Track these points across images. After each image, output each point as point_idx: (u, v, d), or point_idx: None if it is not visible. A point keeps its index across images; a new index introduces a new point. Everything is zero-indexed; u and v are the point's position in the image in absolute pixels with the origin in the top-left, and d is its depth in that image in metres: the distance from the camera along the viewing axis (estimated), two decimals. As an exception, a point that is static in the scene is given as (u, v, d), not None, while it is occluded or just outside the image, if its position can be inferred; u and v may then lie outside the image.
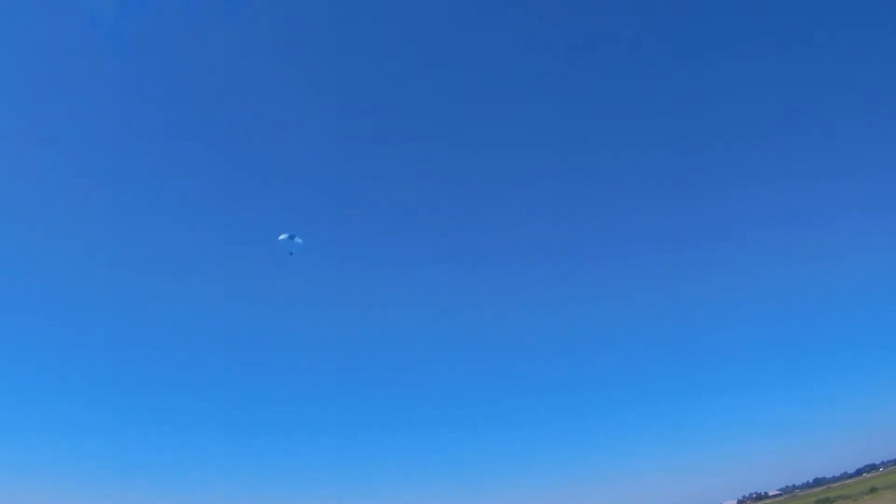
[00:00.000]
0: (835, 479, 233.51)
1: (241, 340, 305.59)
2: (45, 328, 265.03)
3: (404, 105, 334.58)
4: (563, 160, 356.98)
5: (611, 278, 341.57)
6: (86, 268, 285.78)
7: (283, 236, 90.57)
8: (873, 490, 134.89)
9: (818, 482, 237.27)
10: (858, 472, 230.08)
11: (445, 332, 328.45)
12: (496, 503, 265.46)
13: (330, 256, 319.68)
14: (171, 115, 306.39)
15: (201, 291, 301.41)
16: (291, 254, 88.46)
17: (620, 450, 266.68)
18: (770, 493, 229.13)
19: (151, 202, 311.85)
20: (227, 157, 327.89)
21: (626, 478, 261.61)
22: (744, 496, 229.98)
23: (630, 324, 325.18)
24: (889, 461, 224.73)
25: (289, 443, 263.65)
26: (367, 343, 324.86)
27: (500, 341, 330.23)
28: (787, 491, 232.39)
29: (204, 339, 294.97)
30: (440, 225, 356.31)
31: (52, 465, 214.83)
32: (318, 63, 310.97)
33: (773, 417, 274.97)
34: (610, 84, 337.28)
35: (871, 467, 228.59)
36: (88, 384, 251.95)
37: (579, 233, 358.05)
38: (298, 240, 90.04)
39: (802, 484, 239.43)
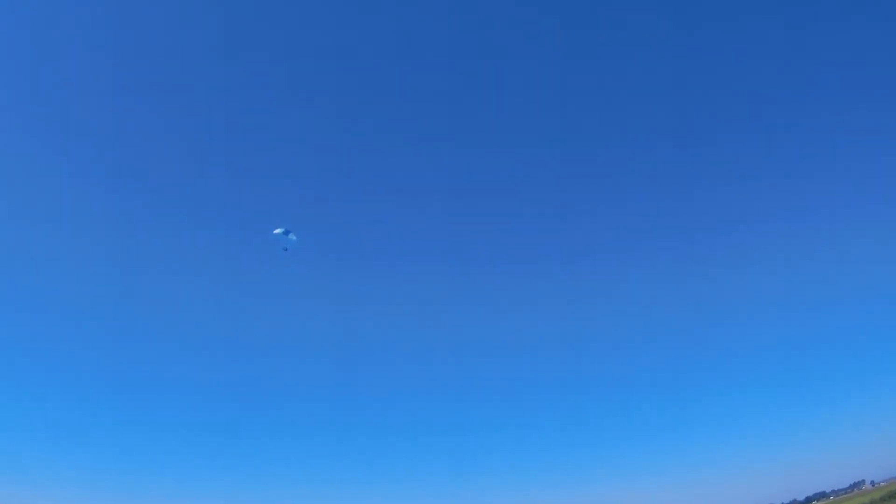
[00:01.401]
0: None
1: (239, 339, 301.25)
2: (43, 328, 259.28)
3: (402, 102, 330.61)
4: (562, 159, 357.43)
5: (616, 277, 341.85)
6: (83, 266, 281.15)
7: (278, 230, 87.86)
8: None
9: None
10: (808, 501, 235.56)
11: (447, 331, 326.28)
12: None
13: (328, 255, 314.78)
14: (168, 112, 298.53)
15: (198, 290, 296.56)
16: (286, 249, 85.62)
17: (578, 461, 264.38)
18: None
19: (148, 201, 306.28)
20: (222, 155, 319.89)
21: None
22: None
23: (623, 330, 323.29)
24: (840, 490, 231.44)
25: (285, 444, 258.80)
26: (367, 342, 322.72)
27: (506, 341, 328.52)
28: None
29: (201, 337, 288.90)
30: (440, 224, 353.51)
31: (49, 466, 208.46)
32: (315, 60, 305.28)
33: (721, 444, 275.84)
34: (606, 83, 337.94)
35: (821, 495, 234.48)
36: (86, 384, 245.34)
37: (585, 231, 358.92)
38: (293, 236, 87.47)
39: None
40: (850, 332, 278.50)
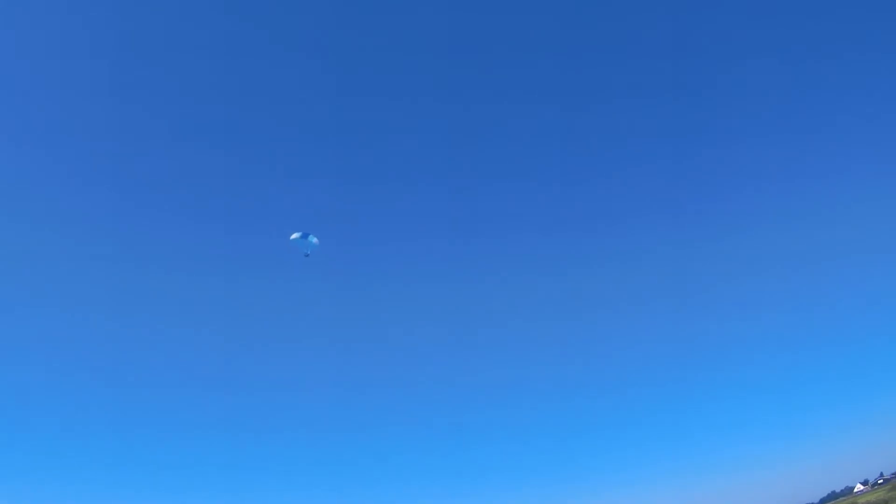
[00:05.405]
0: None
1: (237, 339, 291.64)
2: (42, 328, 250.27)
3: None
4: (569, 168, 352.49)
5: (617, 276, 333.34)
6: (86, 267, 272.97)
7: (295, 235, 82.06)
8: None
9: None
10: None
11: (445, 333, 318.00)
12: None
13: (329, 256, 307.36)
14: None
15: (202, 292, 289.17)
16: (307, 255, 79.69)
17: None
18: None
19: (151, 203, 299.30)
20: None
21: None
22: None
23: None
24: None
25: (283, 444, 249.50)
26: (363, 343, 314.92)
27: (506, 342, 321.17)
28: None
29: (202, 337, 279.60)
30: (435, 227, 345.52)
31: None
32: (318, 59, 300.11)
33: (723, 447, 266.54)
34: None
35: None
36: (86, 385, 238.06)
37: (582, 231, 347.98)
38: (314, 239, 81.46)
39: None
40: (853, 333, 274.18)
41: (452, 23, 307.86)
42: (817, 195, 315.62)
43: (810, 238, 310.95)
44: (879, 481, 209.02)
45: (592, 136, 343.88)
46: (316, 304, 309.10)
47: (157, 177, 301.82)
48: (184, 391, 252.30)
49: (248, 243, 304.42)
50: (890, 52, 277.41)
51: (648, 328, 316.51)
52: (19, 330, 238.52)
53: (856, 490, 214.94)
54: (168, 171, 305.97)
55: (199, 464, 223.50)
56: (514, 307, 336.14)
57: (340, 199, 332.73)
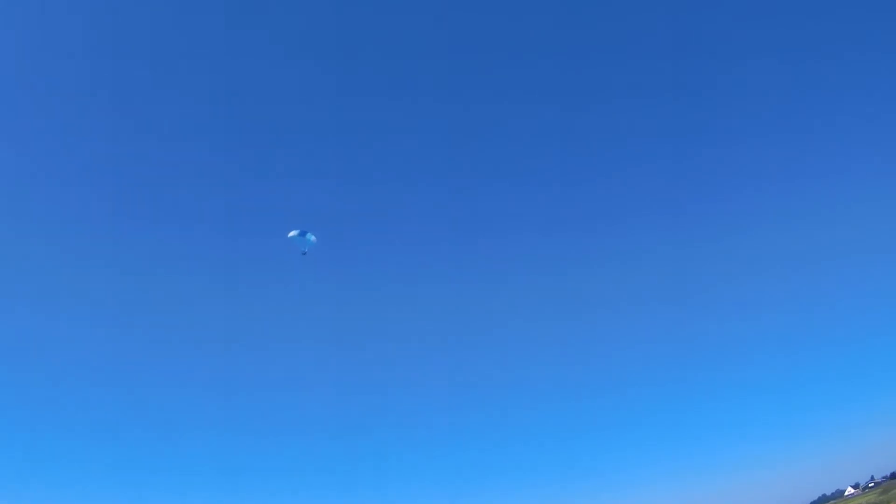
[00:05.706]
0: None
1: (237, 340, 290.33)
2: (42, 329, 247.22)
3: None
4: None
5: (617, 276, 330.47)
6: (84, 268, 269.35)
7: (293, 233, 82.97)
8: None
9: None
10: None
11: (445, 334, 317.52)
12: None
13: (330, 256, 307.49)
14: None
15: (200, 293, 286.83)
16: (304, 253, 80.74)
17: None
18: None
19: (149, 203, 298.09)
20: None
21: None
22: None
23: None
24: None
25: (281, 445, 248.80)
26: (365, 342, 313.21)
27: (505, 344, 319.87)
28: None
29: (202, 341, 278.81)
30: (432, 228, 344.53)
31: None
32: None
33: (723, 447, 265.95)
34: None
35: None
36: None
37: (580, 231, 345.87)
38: (311, 237, 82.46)
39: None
40: (849, 334, 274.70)
41: (452, 23, 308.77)
42: (817, 195, 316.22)
43: (810, 238, 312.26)
44: (870, 485, 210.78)
45: (592, 136, 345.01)
46: (315, 304, 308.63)
47: (156, 177, 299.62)
48: (182, 393, 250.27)
49: (247, 244, 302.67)
50: (890, 52, 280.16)
51: (648, 328, 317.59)
52: (19, 331, 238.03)
53: (846, 493, 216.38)
54: (166, 170, 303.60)
55: (199, 466, 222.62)
56: (514, 307, 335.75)
57: (339, 199, 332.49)
